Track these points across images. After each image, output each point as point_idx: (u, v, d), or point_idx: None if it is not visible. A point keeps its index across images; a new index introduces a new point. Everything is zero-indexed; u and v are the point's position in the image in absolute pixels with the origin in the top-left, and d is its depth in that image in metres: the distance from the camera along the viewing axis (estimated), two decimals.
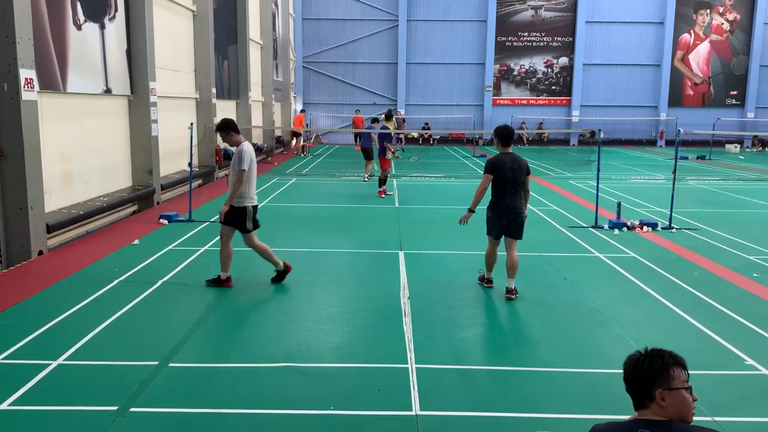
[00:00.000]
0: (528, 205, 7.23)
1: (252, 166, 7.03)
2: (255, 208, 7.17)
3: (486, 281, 7.36)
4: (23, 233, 8.19)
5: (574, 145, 34.80)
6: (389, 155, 14.97)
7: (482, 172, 7.15)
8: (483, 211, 7.23)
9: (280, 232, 10.29)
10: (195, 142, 13.61)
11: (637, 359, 2.39)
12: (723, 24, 34.48)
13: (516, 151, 7.44)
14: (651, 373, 2.33)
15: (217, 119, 17.71)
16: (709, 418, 4.25)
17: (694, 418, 2.36)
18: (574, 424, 4.25)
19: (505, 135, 6.96)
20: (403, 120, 32.44)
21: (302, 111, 29.19)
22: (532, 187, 8.42)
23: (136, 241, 9.37)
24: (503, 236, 7.09)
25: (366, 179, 17.34)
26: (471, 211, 7.07)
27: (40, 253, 8.50)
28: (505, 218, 6.96)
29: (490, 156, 7.37)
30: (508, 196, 6.91)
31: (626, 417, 2.49)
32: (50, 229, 8.77)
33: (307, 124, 32.29)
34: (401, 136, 30.70)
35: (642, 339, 5.68)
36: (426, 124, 34.24)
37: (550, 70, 34.85)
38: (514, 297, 6.95)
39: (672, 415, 2.30)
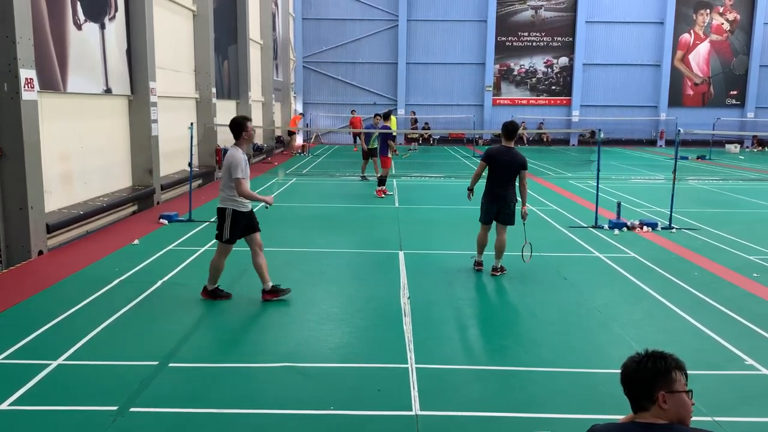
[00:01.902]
0: (527, 203, 7.81)
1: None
2: (237, 213, 6.59)
3: (476, 264, 8.04)
4: (23, 233, 8.19)
5: (574, 145, 34.79)
6: (390, 153, 14.96)
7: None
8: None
9: (281, 232, 10.29)
10: (195, 142, 13.59)
11: (639, 361, 2.37)
12: (723, 24, 34.47)
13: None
14: (654, 375, 2.32)
15: (217, 119, 17.87)
16: (709, 418, 4.25)
17: (693, 418, 2.36)
18: (574, 424, 4.24)
19: (509, 129, 7.65)
20: (416, 120, 32.21)
21: (301, 114, 29.51)
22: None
23: (136, 241, 9.37)
24: (495, 222, 7.80)
25: (367, 178, 17.31)
26: (469, 189, 8.06)
27: (40, 253, 8.50)
28: (495, 205, 7.67)
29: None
30: (499, 187, 7.61)
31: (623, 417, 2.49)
32: (50, 229, 8.77)
33: (306, 124, 32.32)
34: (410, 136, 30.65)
35: (642, 339, 5.68)
36: (426, 124, 34.22)
37: (550, 70, 34.85)
38: (498, 274, 7.75)
39: (672, 418, 2.30)
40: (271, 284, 6.72)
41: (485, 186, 7.80)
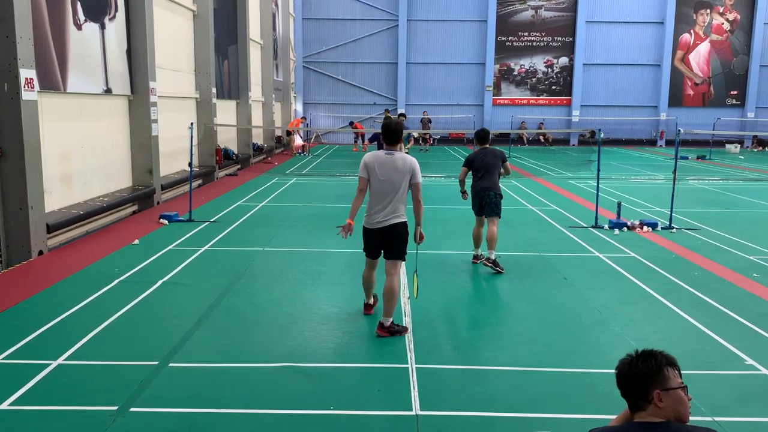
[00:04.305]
0: (515, 195, 8.06)
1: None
2: (364, 229, 5.95)
3: (474, 258, 8.45)
4: (23, 233, 8.19)
5: (574, 145, 34.78)
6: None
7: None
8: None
9: (281, 232, 10.29)
10: (195, 142, 13.60)
11: (630, 362, 2.38)
12: (723, 24, 34.47)
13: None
14: (646, 375, 2.33)
15: (217, 119, 17.88)
16: (709, 418, 4.25)
17: (694, 418, 2.36)
18: (574, 424, 4.25)
19: (480, 135, 8.44)
20: (429, 120, 32.07)
21: (303, 118, 29.53)
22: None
23: (136, 241, 9.37)
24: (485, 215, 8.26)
25: None
26: (462, 192, 8.44)
27: (40, 253, 8.50)
28: (479, 195, 8.19)
29: None
30: (481, 180, 8.20)
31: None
32: (50, 229, 8.77)
33: (307, 124, 32.33)
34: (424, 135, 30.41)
35: (642, 339, 5.68)
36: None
37: (550, 70, 34.84)
38: (489, 265, 7.87)
39: (669, 416, 2.30)
40: (391, 320, 5.83)
41: (471, 183, 8.34)
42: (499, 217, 8.19)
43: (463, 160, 8.42)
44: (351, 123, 29.84)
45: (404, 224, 5.80)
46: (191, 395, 4.55)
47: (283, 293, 7.05)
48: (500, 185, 8.34)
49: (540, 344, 5.64)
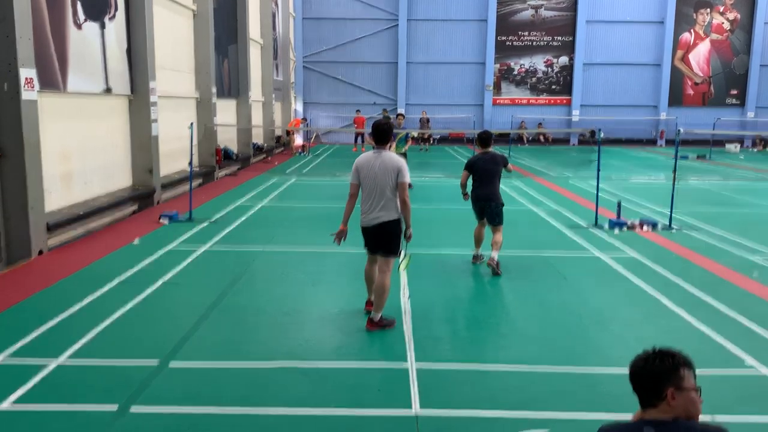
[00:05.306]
0: (516, 196, 7.97)
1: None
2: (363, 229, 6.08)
3: (474, 258, 8.38)
4: (23, 233, 8.18)
5: (574, 144, 34.77)
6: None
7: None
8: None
9: (281, 232, 10.29)
10: (195, 141, 13.58)
11: (647, 358, 2.40)
12: (723, 23, 34.46)
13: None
14: (662, 373, 2.34)
15: (217, 119, 17.88)
16: (709, 418, 4.24)
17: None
18: (574, 424, 4.25)
19: (483, 138, 8.36)
20: (428, 120, 32.02)
21: (303, 119, 29.62)
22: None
23: (136, 241, 9.37)
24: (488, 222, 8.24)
25: None
26: (464, 194, 8.28)
27: (40, 252, 8.50)
28: (479, 204, 8.14)
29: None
30: (481, 187, 8.11)
31: (628, 416, 2.50)
32: (50, 228, 8.78)
33: (307, 124, 32.35)
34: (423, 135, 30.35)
35: (642, 339, 5.68)
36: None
37: (550, 69, 34.83)
38: (493, 265, 7.71)
39: (679, 415, 2.32)
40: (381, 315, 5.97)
41: (471, 188, 8.24)
42: (502, 224, 8.11)
43: (464, 161, 8.39)
44: (358, 111, 30.01)
45: (396, 222, 5.91)
46: (191, 395, 4.55)
47: (283, 293, 7.05)
48: (501, 187, 8.26)
49: (540, 344, 5.64)
